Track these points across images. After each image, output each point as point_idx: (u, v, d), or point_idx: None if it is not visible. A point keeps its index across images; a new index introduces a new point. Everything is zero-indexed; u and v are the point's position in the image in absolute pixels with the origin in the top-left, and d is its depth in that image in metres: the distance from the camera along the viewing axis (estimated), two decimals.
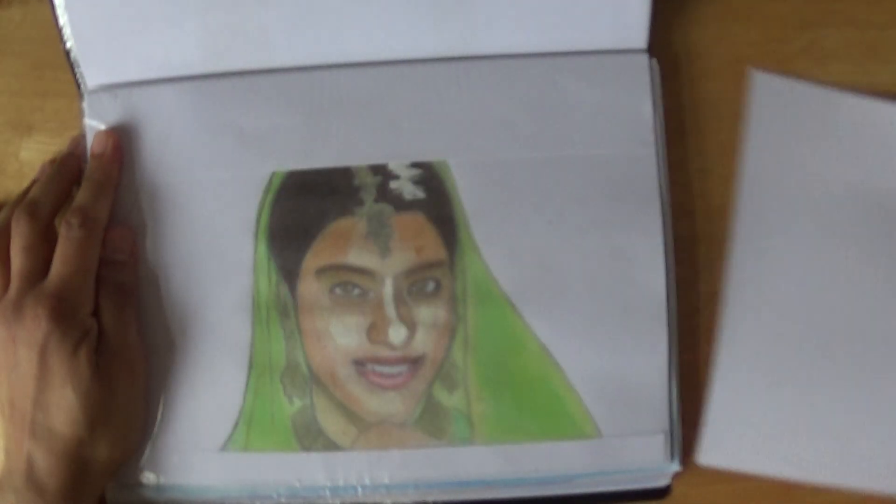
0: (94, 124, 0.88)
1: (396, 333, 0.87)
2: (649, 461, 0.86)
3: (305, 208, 0.87)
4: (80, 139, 0.89)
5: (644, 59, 0.88)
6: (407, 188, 0.87)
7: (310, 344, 0.87)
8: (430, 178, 0.87)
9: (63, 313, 0.81)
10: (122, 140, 0.88)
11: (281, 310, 0.87)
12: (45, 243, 0.84)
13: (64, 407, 0.80)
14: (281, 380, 0.87)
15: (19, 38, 0.94)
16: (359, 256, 0.87)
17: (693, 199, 0.90)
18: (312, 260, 0.87)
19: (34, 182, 0.88)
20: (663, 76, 0.89)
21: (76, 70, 0.89)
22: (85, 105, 0.89)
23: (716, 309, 0.89)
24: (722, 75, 0.91)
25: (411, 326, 0.87)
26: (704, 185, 0.90)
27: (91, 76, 0.89)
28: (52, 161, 0.90)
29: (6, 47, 0.94)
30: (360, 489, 0.86)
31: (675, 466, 0.87)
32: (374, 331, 0.87)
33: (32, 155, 0.93)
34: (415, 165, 0.88)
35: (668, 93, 0.89)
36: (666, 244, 0.87)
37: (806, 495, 0.88)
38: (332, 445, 0.86)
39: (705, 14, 0.91)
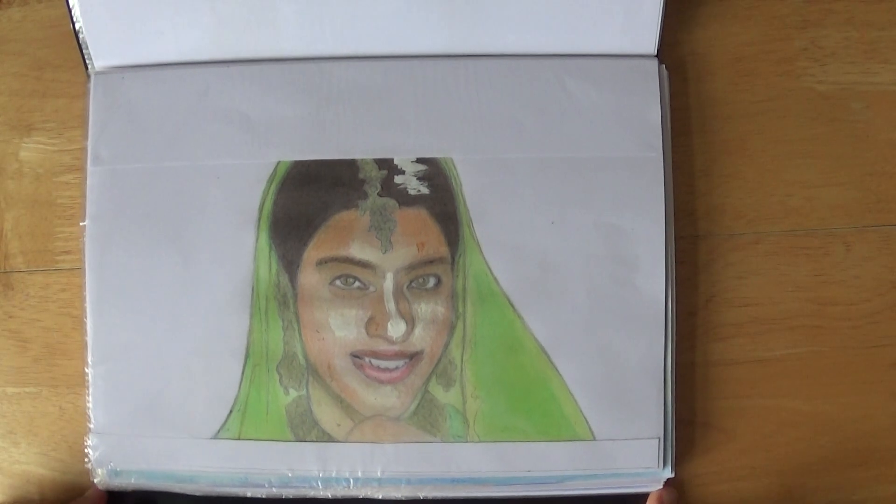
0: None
1: (395, 328, 0.85)
2: (642, 466, 0.84)
3: (309, 199, 0.85)
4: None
5: (654, 65, 0.86)
6: (412, 183, 0.85)
7: (308, 335, 0.85)
8: (435, 174, 0.85)
9: None
10: (128, 123, 0.87)
11: (280, 300, 0.85)
12: None
13: None
14: (277, 370, 0.84)
15: (19, 38, 0.92)
16: (360, 250, 0.85)
17: (695, 198, 0.88)
18: (314, 251, 0.85)
19: None
20: (669, 79, 0.87)
21: (84, 51, 0.87)
22: (91, 86, 0.87)
23: (715, 309, 0.88)
24: (723, 75, 0.89)
25: (410, 322, 0.84)
26: (706, 184, 0.88)
27: (99, 57, 0.87)
28: None
29: (6, 47, 0.92)
30: (352, 481, 0.84)
31: (668, 473, 0.84)
32: (373, 324, 0.85)
33: (32, 155, 0.91)
34: (420, 161, 0.86)
35: (672, 93, 0.88)
36: (668, 250, 0.85)
37: (806, 495, 0.87)
38: (326, 437, 0.84)
39: (706, 14, 0.90)
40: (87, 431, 0.85)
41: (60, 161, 0.91)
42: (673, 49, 0.89)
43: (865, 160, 0.88)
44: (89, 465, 0.85)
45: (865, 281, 0.88)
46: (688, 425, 0.87)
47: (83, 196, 0.87)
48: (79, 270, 0.87)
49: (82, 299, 0.86)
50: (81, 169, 0.88)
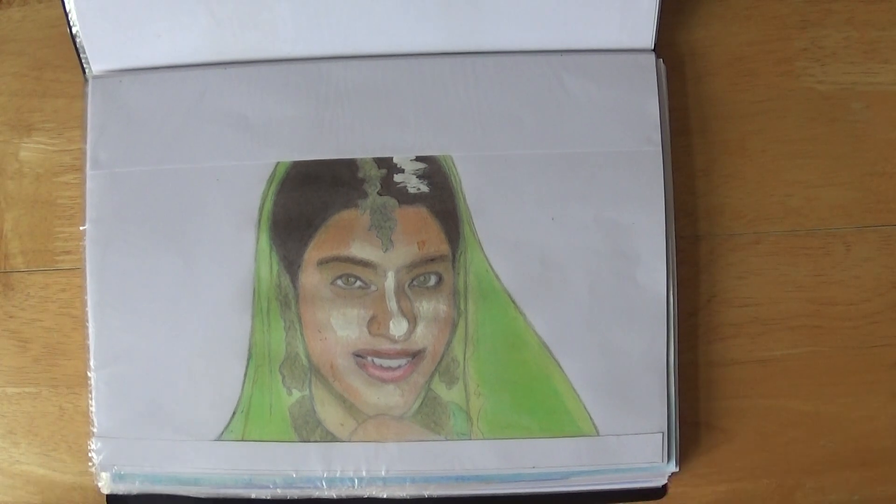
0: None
1: (397, 327, 0.85)
2: (646, 461, 0.84)
3: (309, 199, 0.85)
4: None
5: (651, 59, 0.86)
6: (411, 182, 0.85)
7: (310, 335, 0.85)
8: (435, 172, 0.85)
9: None
10: (126, 126, 0.86)
11: (282, 300, 0.85)
12: None
13: None
14: (280, 370, 0.84)
15: (19, 38, 0.91)
16: (361, 249, 0.85)
17: (695, 198, 0.88)
18: (315, 251, 0.85)
19: None
20: (668, 76, 0.87)
21: (81, 56, 0.86)
22: (89, 89, 0.87)
23: (716, 309, 0.88)
24: (723, 74, 0.89)
25: (412, 320, 0.85)
26: (706, 184, 0.88)
27: (96, 61, 0.86)
28: None
29: (6, 47, 0.91)
30: (356, 481, 0.84)
31: (672, 467, 0.85)
32: (375, 324, 0.85)
33: (32, 155, 0.91)
34: (419, 159, 0.85)
35: (672, 92, 0.88)
36: (668, 244, 0.85)
37: (806, 495, 0.88)
38: (329, 437, 0.84)
39: (707, 14, 0.90)
40: (90, 435, 0.85)
41: (60, 161, 0.90)
42: (673, 49, 0.89)
43: (865, 160, 0.89)
44: (93, 469, 0.86)
45: (865, 281, 0.88)
46: (688, 425, 0.87)
47: (83, 198, 0.86)
48: (79, 271, 0.87)
49: (82, 300, 0.86)
50: (81, 169, 0.87)
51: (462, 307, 0.85)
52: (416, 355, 0.85)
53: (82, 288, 0.86)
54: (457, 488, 0.86)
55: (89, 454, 0.85)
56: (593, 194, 0.85)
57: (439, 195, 0.85)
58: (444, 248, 0.85)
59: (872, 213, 0.88)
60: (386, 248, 0.85)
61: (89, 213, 0.86)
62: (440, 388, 0.85)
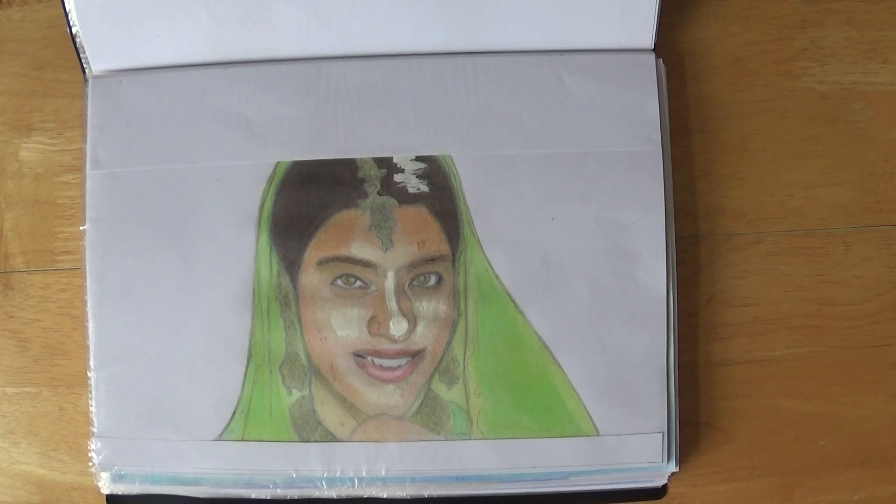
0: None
1: (397, 327, 0.85)
2: (646, 460, 0.84)
3: (309, 199, 0.85)
4: None
5: (651, 59, 0.86)
6: (411, 181, 0.85)
7: (310, 335, 0.85)
8: (435, 172, 0.85)
9: None
10: (126, 126, 0.86)
11: (282, 300, 0.85)
12: None
13: None
14: (280, 370, 0.85)
15: (19, 38, 0.91)
16: (361, 249, 0.85)
17: (695, 198, 0.88)
18: (314, 251, 0.85)
19: None
20: (668, 76, 0.87)
21: (81, 55, 0.86)
22: (89, 89, 0.87)
23: (716, 309, 0.89)
24: (723, 75, 0.89)
25: (412, 320, 0.85)
26: (706, 184, 0.88)
27: (96, 61, 0.86)
28: None
29: (6, 47, 0.92)
30: (356, 481, 0.84)
31: (672, 467, 0.85)
32: (375, 323, 0.85)
33: (32, 155, 0.91)
34: (419, 159, 0.86)
35: (672, 92, 0.88)
36: (668, 244, 0.85)
37: (806, 495, 0.88)
38: (329, 437, 0.84)
39: (707, 14, 0.90)
40: (90, 435, 0.86)
41: (60, 161, 0.91)
42: (673, 49, 0.89)
43: (865, 160, 0.89)
44: (93, 469, 0.86)
45: (865, 281, 0.88)
46: (688, 425, 0.87)
47: (83, 198, 0.86)
48: (79, 270, 0.87)
49: (82, 300, 0.86)
50: (81, 169, 0.87)
51: (462, 307, 0.85)
52: (416, 355, 0.85)
53: (82, 288, 0.86)
54: (457, 488, 0.86)
55: (89, 454, 0.86)
56: (593, 194, 0.85)
57: (439, 195, 0.85)
58: (444, 247, 0.85)
59: (872, 213, 0.88)
60: (386, 248, 0.85)
61: (89, 213, 0.86)
62: (440, 388, 0.85)
